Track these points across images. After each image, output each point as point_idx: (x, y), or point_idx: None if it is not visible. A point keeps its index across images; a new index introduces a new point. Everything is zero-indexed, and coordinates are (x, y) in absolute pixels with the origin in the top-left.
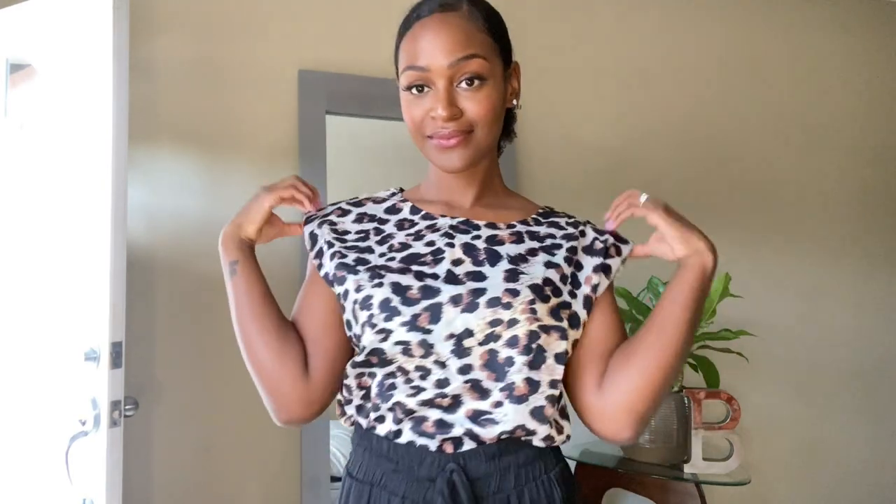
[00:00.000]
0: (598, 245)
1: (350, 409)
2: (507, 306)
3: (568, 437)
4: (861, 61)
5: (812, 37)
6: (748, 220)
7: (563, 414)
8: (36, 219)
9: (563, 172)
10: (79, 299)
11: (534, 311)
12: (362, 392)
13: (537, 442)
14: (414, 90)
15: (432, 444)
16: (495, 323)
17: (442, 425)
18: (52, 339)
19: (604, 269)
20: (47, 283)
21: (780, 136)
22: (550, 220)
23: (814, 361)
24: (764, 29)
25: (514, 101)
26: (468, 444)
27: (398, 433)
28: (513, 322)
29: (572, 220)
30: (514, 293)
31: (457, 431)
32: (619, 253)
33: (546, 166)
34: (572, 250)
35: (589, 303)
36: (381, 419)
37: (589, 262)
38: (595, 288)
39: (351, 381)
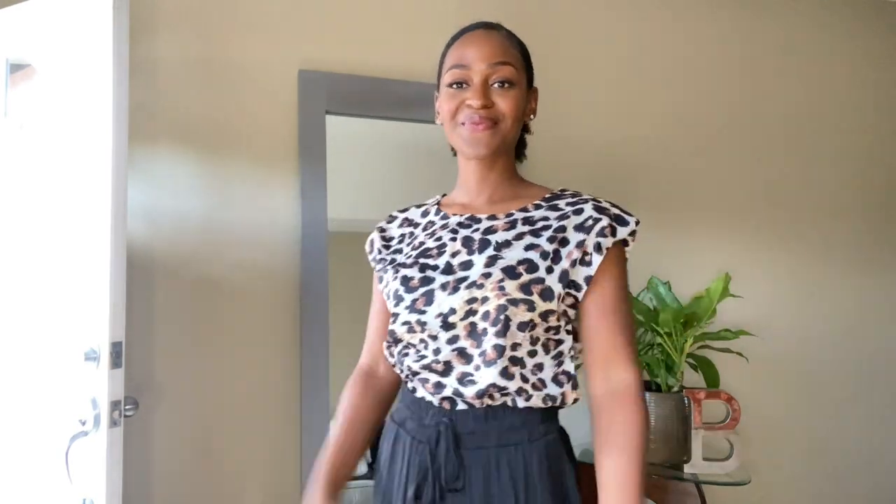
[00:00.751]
0: (589, 223)
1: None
2: (480, 287)
3: (563, 401)
4: (862, 61)
5: (812, 36)
6: (748, 219)
7: (557, 381)
8: (36, 219)
9: (566, 173)
10: (79, 299)
11: (502, 289)
12: (394, 360)
13: (520, 402)
14: (454, 86)
15: (435, 400)
16: (471, 301)
17: (438, 386)
18: (52, 339)
19: (596, 248)
20: (47, 283)
21: (781, 137)
22: (552, 203)
23: (814, 361)
24: (763, 29)
25: (531, 117)
26: (461, 405)
27: (414, 389)
28: (485, 299)
29: (574, 199)
30: (487, 276)
31: (447, 392)
32: (613, 233)
33: (550, 167)
34: (560, 229)
35: (565, 277)
36: (408, 378)
37: (574, 238)
38: (575, 262)
39: (386, 353)
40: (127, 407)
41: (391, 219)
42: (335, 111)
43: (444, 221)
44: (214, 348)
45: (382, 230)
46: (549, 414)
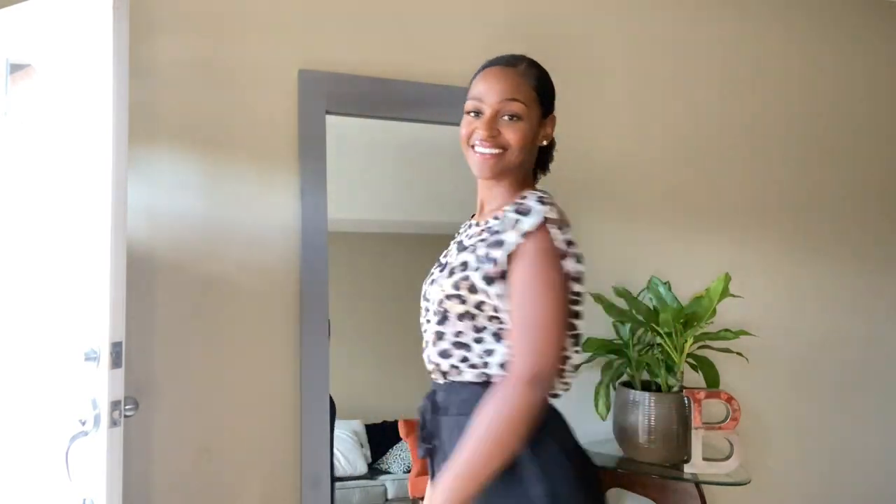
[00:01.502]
0: (497, 226)
1: None
2: (433, 283)
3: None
4: (862, 62)
5: (811, 38)
6: (748, 220)
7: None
8: (36, 219)
9: (569, 176)
10: (79, 299)
11: (441, 285)
12: None
13: (459, 377)
14: (472, 114)
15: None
16: (427, 295)
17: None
18: (52, 339)
19: (497, 244)
20: (47, 283)
21: (781, 138)
22: (511, 209)
23: (813, 361)
24: (767, 30)
25: (544, 142)
26: (437, 380)
27: None
28: (433, 293)
29: (522, 203)
30: (441, 272)
31: (428, 368)
32: (515, 227)
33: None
34: (491, 232)
35: (487, 273)
36: None
37: (493, 238)
38: (491, 260)
39: None
40: (127, 407)
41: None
42: (335, 111)
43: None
44: (214, 348)
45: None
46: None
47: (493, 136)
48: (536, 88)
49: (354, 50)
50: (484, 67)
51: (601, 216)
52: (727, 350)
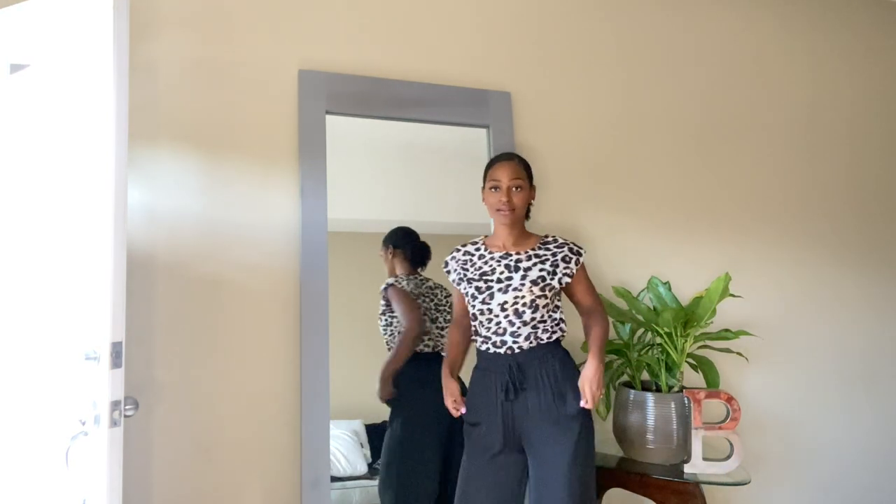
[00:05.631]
0: (568, 256)
1: None
2: (518, 288)
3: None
4: (862, 61)
5: (814, 36)
6: (749, 220)
7: (553, 329)
8: (36, 219)
9: (573, 178)
10: (79, 299)
11: (532, 290)
12: (474, 327)
13: (543, 339)
14: (493, 189)
15: (501, 350)
16: (517, 297)
17: (502, 343)
18: (52, 340)
19: (576, 263)
20: (47, 283)
21: (781, 137)
22: (545, 246)
23: (813, 361)
24: (766, 28)
25: (532, 201)
26: (517, 349)
27: (488, 349)
28: (523, 295)
29: (557, 243)
30: (523, 284)
31: (509, 344)
32: (577, 261)
33: (543, 157)
34: (555, 262)
35: (564, 279)
36: (482, 341)
37: (562, 263)
38: (567, 274)
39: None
40: (127, 407)
41: (457, 251)
42: (335, 111)
43: (490, 255)
44: (214, 348)
45: (454, 258)
46: (555, 345)
47: (510, 201)
48: (526, 171)
49: (354, 50)
50: (495, 161)
51: (601, 217)
52: (727, 350)
